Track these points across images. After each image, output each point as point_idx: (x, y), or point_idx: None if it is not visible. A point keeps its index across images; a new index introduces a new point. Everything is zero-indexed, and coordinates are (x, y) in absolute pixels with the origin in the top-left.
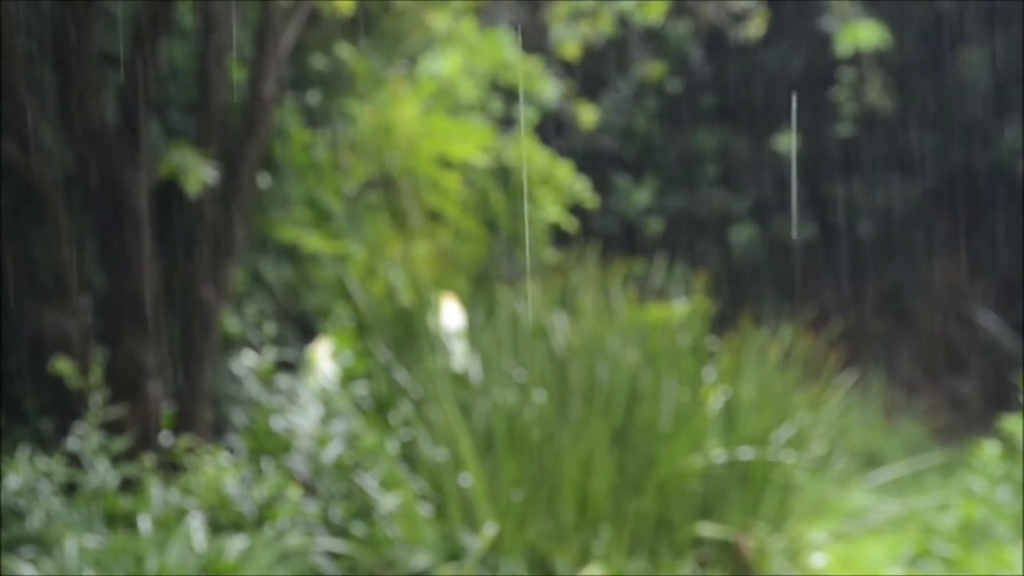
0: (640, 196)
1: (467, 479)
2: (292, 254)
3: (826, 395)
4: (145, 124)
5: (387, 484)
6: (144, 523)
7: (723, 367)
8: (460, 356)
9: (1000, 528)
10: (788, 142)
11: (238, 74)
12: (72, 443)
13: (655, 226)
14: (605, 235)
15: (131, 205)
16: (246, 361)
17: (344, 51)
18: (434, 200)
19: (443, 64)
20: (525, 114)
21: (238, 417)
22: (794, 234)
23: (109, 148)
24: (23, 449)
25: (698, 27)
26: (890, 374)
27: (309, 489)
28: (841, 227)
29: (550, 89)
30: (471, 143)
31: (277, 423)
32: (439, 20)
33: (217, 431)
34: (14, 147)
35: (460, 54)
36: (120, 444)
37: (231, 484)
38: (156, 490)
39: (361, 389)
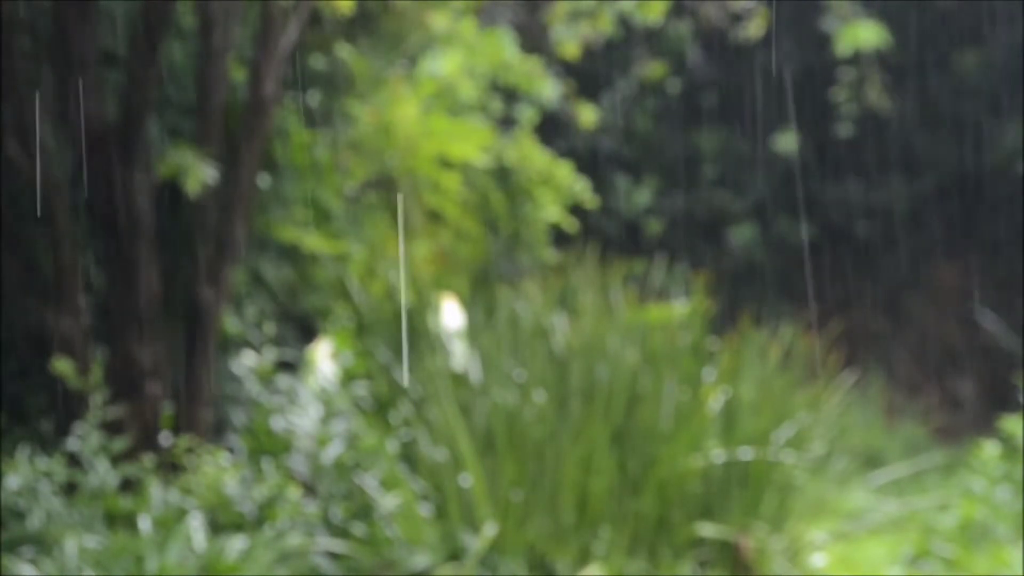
0: (640, 196)
1: (467, 479)
2: (292, 254)
3: (826, 395)
4: (145, 124)
5: (387, 484)
6: (144, 523)
7: (723, 367)
8: (460, 356)
9: (1000, 528)
10: (788, 142)
11: (238, 74)
12: (72, 443)
13: (655, 226)
14: (605, 235)
15: (131, 205)
16: (246, 361)
17: (344, 51)
18: (434, 200)
19: (443, 64)
20: (525, 114)
21: (238, 417)
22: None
23: (109, 148)
24: (23, 449)
25: (698, 27)
26: (890, 374)
27: (309, 489)
28: (841, 227)
29: (550, 89)
30: (471, 143)
31: (277, 423)
32: (439, 20)
33: (217, 431)
34: (15, 147)
35: (460, 54)
36: (120, 444)
37: (231, 484)
38: (156, 490)
39: (361, 389)
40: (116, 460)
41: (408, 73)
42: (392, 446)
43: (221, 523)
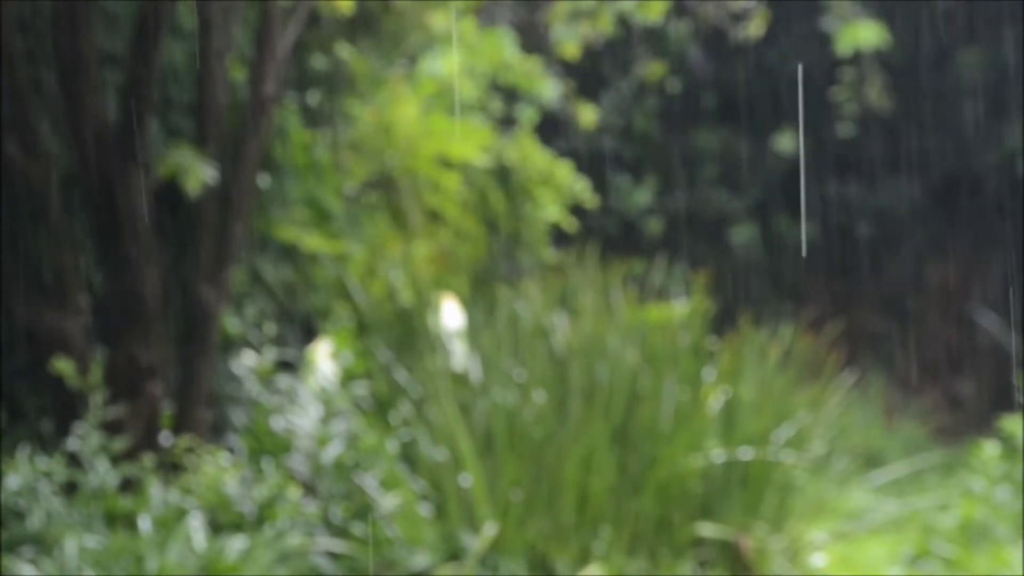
0: (640, 196)
1: (467, 479)
2: (292, 254)
3: (826, 395)
4: (145, 124)
5: (387, 484)
6: (144, 523)
7: (723, 367)
8: (460, 356)
9: (1000, 528)
10: (788, 142)
11: (238, 74)
12: (72, 443)
13: (655, 226)
14: (605, 235)
15: (131, 205)
16: (246, 361)
17: (344, 51)
18: (434, 200)
19: (443, 64)
20: (525, 114)
21: (238, 417)
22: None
23: (109, 148)
24: (23, 449)
25: (698, 27)
26: (890, 374)
27: (309, 489)
28: (841, 227)
29: (550, 89)
30: (471, 143)
31: (277, 423)
32: (439, 20)
33: (217, 431)
34: (14, 147)
35: (460, 54)
36: (120, 444)
37: (231, 484)
38: (156, 490)
39: (361, 389)
40: (116, 460)
41: (408, 73)
42: (392, 446)
43: (221, 523)
